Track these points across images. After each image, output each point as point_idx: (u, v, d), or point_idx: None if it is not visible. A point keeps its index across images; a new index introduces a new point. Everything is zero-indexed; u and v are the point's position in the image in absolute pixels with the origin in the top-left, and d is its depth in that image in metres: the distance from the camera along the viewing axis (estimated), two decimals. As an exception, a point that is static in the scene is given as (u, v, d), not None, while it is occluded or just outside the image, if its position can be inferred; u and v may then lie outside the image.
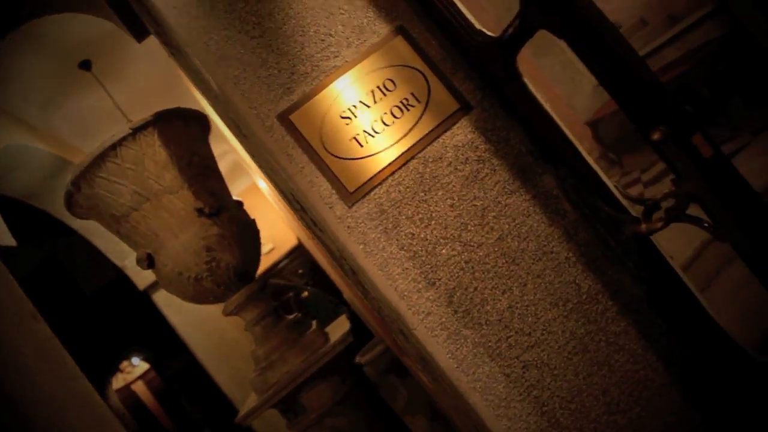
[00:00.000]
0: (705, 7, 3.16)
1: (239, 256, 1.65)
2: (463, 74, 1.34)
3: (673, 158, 0.96)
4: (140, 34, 2.11)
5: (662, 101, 0.95)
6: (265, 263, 8.78)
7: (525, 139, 1.33)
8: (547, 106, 1.28)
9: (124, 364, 9.52)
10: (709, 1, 3.32)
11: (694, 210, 1.10)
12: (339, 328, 1.90)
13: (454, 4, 1.27)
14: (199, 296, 1.76)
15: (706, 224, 1.03)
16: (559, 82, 4.47)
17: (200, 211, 1.59)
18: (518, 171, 1.32)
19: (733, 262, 2.25)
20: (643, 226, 1.11)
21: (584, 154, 1.28)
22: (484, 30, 1.25)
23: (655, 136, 0.92)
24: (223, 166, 2.23)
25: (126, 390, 10.02)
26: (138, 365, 10.00)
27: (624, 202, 1.29)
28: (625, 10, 6.06)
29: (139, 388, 10.19)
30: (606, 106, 3.97)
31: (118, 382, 9.63)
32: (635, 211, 1.28)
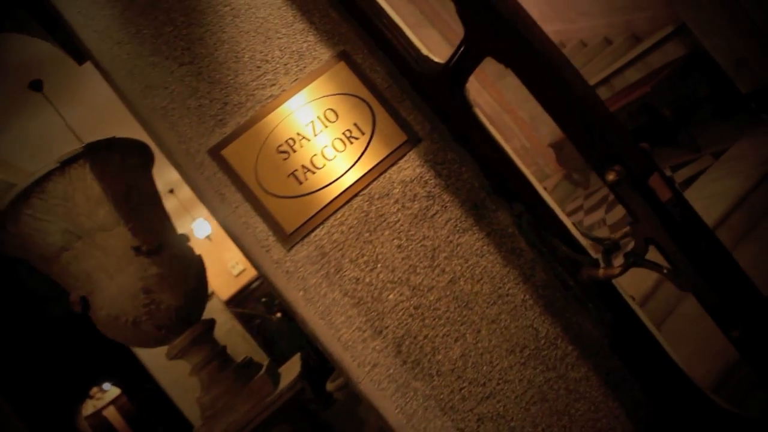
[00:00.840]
0: (666, 28, 3.15)
1: (182, 296, 1.50)
2: (411, 103, 1.24)
3: (629, 200, 0.87)
4: (80, 57, 1.97)
5: (618, 138, 0.86)
6: (236, 285, 8.53)
7: (478, 172, 1.23)
8: (499, 139, 1.18)
9: (94, 390, 9.08)
10: (671, 22, 3.31)
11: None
12: (293, 369, 1.76)
13: (399, 28, 1.17)
14: (139, 340, 1.60)
15: (665, 270, 0.94)
16: (523, 103, 4.43)
17: (137, 250, 1.44)
18: (471, 207, 1.21)
19: (688, 297, 2.18)
20: (601, 271, 1.01)
21: (540, 189, 1.19)
22: (431, 56, 1.15)
23: (610, 177, 0.83)
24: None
25: (97, 416, 9.56)
26: (109, 390, 9.56)
27: (583, 240, 1.19)
28: (589, 30, 6.11)
29: (111, 413, 9.74)
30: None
31: (87, 409, 9.18)
32: (595, 249, 1.19)
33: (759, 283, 2.07)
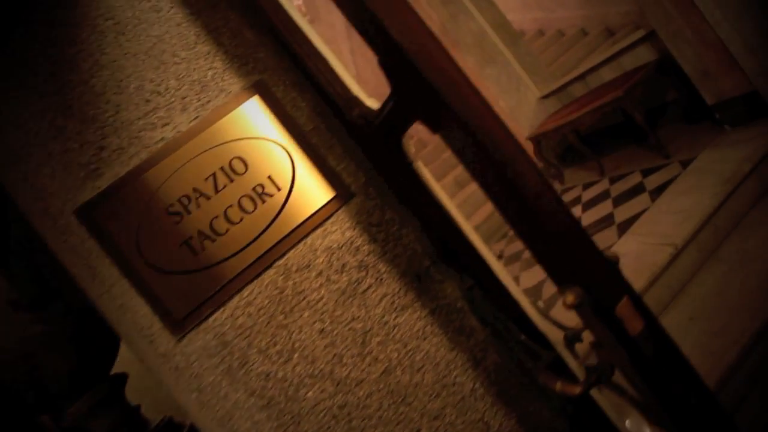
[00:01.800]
0: (639, 32, 2.96)
1: (75, 357, 1.25)
2: (342, 149, 0.98)
3: (591, 325, 0.65)
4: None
5: (578, 252, 0.63)
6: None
7: (421, 236, 0.99)
8: (445, 200, 0.94)
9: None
10: (644, 25, 3.12)
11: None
12: None
13: (325, 61, 0.90)
14: (23, 414, 1.34)
15: (631, 397, 0.74)
16: (504, 93, 4.19)
17: (15, 304, 1.17)
18: (412, 279, 0.98)
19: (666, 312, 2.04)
20: (558, 385, 0.81)
21: (491, 260, 0.96)
22: (363, 99, 0.89)
23: (568, 300, 0.61)
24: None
25: None
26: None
27: (542, 324, 0.98)
28: (566, 20, 5.86)
29: None
30: (548, 122, 3.73)
31: None
32: (555, 334, 0.98)
33: (726, 305, 1.91)
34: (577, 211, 3.20)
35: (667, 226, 2.22)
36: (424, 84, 0.62)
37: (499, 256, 3.49)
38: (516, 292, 0.97)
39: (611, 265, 0.64)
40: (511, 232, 3.70)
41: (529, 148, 4.16)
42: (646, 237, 2.27)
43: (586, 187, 3.48)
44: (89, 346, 1.29)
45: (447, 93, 0.60)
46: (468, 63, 4.17)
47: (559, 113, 3.72)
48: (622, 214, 2.67)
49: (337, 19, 5.49)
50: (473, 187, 4.53)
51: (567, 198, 3.58)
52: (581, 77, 3.70)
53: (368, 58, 5.97)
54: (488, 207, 4.33)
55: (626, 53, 3.19)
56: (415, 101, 0.69)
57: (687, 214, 2.20)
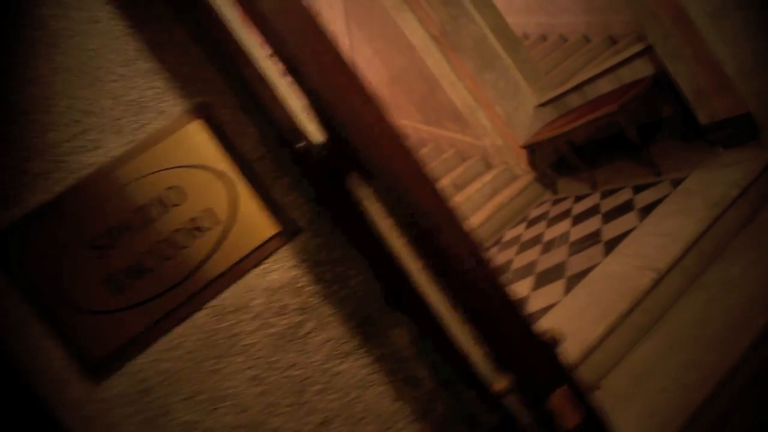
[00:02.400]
0: (637, 45, 2.83)
1: None
2: (290, 182, 0.89)
3: (518, 416, 0.56)
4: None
5: (513, 332, 0.54)
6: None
7: (371, 277, 0.90)
8: (394, 242, 0.85)
9: None
10: (643, 39, 3.00)
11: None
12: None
13: (270, 84, 0.80)
14: None
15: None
16: (502, 99, 4.06)
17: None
18: (358, 324, 0.89)
19: (637, 348, 1.96)
20: (502, 463, 0.72)
21: (441, 308, 0.87)
22: (309, 131, 0.79)
23: (497, 387, 0.52)
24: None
25: None
26: None
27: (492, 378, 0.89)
28: (569, 26, 5.70)
29: None
30: (543, 131, 3.61)
31: None
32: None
33: (705, 335, 1.81)
34: (566, 224, 3.10)
35: (653, 249, 2.13)
36: (353, 146, 0.52)
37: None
38: (466, 342, 0.88)
39: (549, 349, 0.55)
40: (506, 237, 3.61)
41: (523, 156, 4.06)
42: (631, 258, 2.18)
43: (578, 199, 3.38)
44: None
45: (372, 161, 0.51)
46: (467, 67, 4.04)
47: (554, 123, 3.60)
48: (610, 231, 2.57)
49: (336, 15, 5.35)
50: (473, 189, 4.43)
51: (558, 210, 3.48)
52: (578, 87, 3.58)
53: (366, 56, 5.84)
54: (485, 211, 4.24)
55: (624, 66, 3.06)
56: (347, 155, 0.59)
57: (673, 237, 2.11)
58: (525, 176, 4.22)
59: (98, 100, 0.83)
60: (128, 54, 0.85)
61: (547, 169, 3.98)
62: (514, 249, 3.32)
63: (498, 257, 3.41)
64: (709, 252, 2.06)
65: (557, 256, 2.75)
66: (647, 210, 2.47)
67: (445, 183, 4.60)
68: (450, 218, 0.51)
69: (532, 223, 3.59)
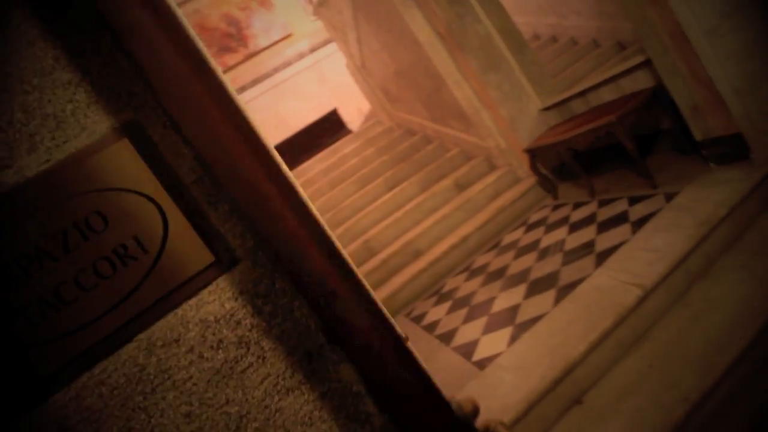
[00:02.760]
0: (638, 57, 2.70)
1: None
2: (230, 207, 0.81)
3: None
4: None
5: (425, 414, 0.45)
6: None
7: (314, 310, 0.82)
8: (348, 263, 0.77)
9: None
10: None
11: None
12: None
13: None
14: None
15: None
16: (506, 101, 3.92)
17: None
18: (302, 357, 0.82)
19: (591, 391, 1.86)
20: None
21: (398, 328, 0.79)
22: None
23: None
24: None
25: None
26: None
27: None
28: (580, 29, 5.53)
29: None
30: (545, 136, 3.48)
31: None
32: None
33: (684, 355, 1.73)
34: (563, 231, 2.99)
35: (640, 265, 2.03)
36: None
37: (467, 269, 3.31)
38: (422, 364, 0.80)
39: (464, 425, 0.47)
40: (502, 243, 3.50)
41: (526, 159, 3.93)
42: (618, 273, 2.08)
43: (576, 206, 3.25)
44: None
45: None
46: (472, 67, 3.90)
47: (556, 129, 3.47)
48: (603, 242, 2.46)
49: (344, 6, 5.23)
50: (475, 190, 4.32)
51: (557, 216, 3.37)
52: (582, 94, 3.43)
53: (374, 49, 5.72)
54: (486, 213, 4.14)
55: (626, 76, 2.93)
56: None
57: (661, 254, 2.01)
58: (528, 179, 4.09)
59: (8, 113, 0.75)
60: (45, 62, 0.77)
61: (548, 174, 3.86)
62: (512, 253, 3.22)
63: (495, 261, 3.31)
64: (695, 270, 1.97)
65: (551, 264, 2.65)
66: (640, 223, 2.37)
67: (448, 182, 4.50)
68: (350, 288, 0.44)
69: (531, 227, 3.48)
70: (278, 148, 6.81)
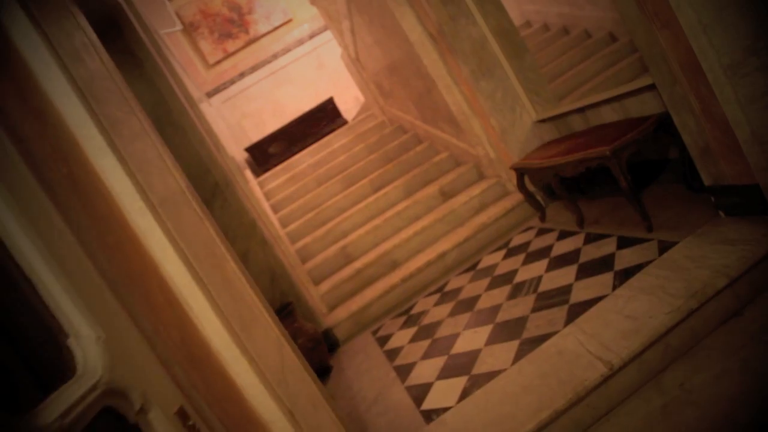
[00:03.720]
0: (646, 78, 2.33)
1: None
2: None
3: None
4: None
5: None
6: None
7: None
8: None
9: None
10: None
11: None
12: None
13: None
14: None
15: None
16: (497, 112, 3.58)
17: None
18: None
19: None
20: None
21: None
22: None
23: None
24: None
25: None
26: None
27: None
28: (596, 21, 5.10)
29: None
30: (535, 155, 3.15)
31: None
32: None
33: None
34: (542, 266, 2.71)
35: (613, 334, 1.75)
36: None
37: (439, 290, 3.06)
38: None
39: None
40: (480, 265, 3.16)
41: (513, 176, 3.62)
42: (587, 339, 1.81)
43: (562, 235, 2.97)
44: None
45: None
46: (463, 72, 3.57)
47: (547, 148, 3.15)
48: (580, 291, 2.19)
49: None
50: (459, 201, 4.04)
51: (540, 243, 3.08)
52: (581, 110, 3.10)
53: (367, 43, 5.34)
54: (468, 229, 3.87)
55: (632, 96, 2.58)
56: None
57: (639, 324, 1.72)
58: (516, 193, 3.79)
59: None
60: None
61: (536, 194, 3.55)
62: (486, 281, 2.96)
63: (468, 287, 3.06)
64: (677, 346, 1.68)
65: (522, 306, 2.39)
66: (625, 275, 2.08)
67: (434, 189, 4.22)
68: None
69: (511, 252, 3.20)
70: (274, 135, 6.54)
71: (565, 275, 2.41)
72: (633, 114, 2.60)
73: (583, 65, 4.66)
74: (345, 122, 6.68)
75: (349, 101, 7.12)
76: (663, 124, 2.25)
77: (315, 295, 3.69)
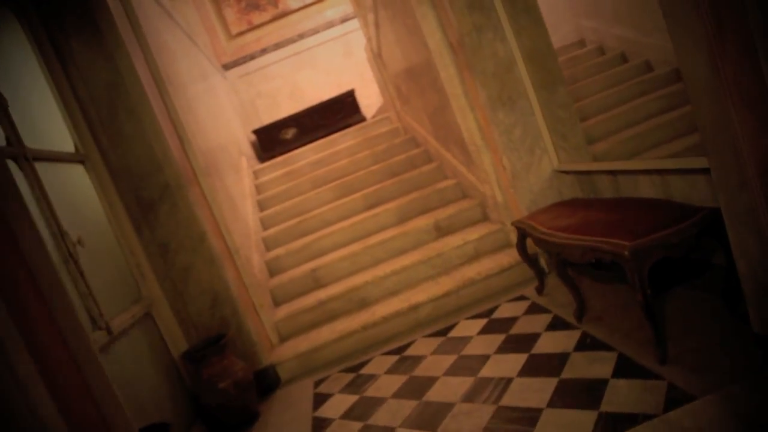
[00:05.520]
0: (702, 159, 1.71)
1: None
2: None
3: None
4: None
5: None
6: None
7: None
8: None
9: None
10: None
11: None
12: None
13: None
14: None
15: None
16: (512, 151, 2.98)
17: None
18: None
19: None
20: None
21: None
22: None
23: None
24: None
25: None
26: None
27: None
28: (662, 52, 4.33)
29: None
30: (545, 216, 2.55)
31: None
32: None
33: None
34: (515, 366, 2.15)
35: None
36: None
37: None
38: None
39: None
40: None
41: (513, 232, 3.01)
42: None
43: (553, 325, 2.38)
44: None
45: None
46: (480, 97, 2.97)
47: (559, 210, 2.54)
48: (547, 428, 1.64)
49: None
50: (450, 244, 3.50)
51: (526, 327, 2.51)
52: (612, 172, 2.48)
53: (389, 40, 4.77)
54: (452, 281, 3.32)
55: (678, 174, 1.96)
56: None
57: None
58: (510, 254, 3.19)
59: None
60: None
61: (538, 258, 2.95)
62: (450, 360, 2.43)
63: (429, 359, 2.52)
64: None
65: (474, 419, 1.86)
66: (612, 424, 1.52)
67: (429, 221, 3.67)
68: None
69: (492, 326, 2.64)
70: (286, 121, 6.10)
71: (540, 391, 1.86)
72: (676, 196, 1.98)
73: (632, 104, 3.95)
74: (363, 119, 6.16)
75: (372, 97, 6.57)
76: (711, 226, 1.63)
77: (267, 321, 3.24)
